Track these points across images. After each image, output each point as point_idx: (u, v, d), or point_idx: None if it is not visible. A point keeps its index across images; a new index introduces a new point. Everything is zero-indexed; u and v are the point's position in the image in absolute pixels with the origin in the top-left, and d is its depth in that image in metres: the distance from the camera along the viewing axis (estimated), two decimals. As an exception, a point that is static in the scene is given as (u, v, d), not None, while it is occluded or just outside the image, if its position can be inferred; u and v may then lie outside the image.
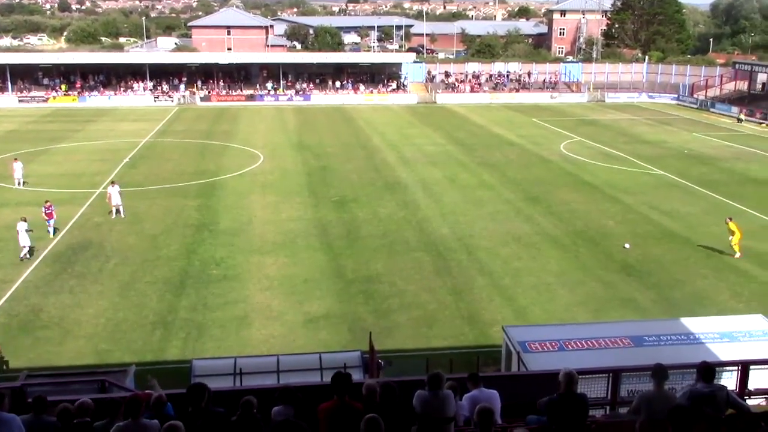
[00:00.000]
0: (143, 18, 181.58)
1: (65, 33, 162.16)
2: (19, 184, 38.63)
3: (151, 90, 79.78)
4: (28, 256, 27.35)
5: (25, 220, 27.70)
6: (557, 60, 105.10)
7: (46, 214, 29.84)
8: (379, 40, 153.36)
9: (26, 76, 78.68)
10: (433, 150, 51.64)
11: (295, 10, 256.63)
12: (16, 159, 40.50)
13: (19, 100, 75.59)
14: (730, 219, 29.13)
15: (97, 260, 27.47)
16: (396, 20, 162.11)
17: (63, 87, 78.27)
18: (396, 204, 36.14)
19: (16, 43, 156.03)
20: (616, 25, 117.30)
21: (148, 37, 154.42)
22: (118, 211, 32.99)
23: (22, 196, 36.51)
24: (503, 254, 28.71)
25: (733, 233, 28.33)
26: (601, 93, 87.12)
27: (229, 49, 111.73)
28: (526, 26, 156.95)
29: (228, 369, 15.80)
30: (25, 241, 27.28)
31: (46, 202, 30.42)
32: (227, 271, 26.40)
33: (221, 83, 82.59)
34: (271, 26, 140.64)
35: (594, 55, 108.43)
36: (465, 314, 22.99)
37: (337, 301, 23.83)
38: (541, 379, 11.46)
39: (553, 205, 36.25)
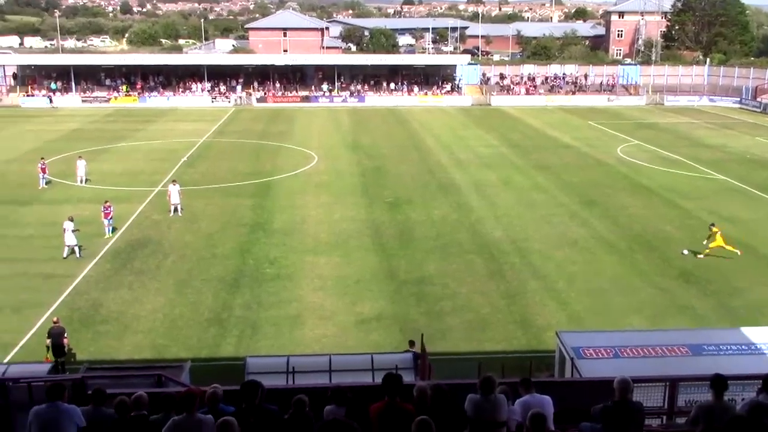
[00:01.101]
0: (202, 20, 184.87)
1: (127, 35, 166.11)
2: (82, 181, 39.71)
3: (208, 91, 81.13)
4: (77, 255, 27.83)
5: (72, 220, 28.10)
6: (615, 62, 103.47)
7: (104, 213, 30.49)
8: (434, 41, 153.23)
9: (89, 76, 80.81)
10: (487, 152, 51.36)
11: (351, 12, 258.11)
12: (80, 157, 41.62)
13: (83, 100, 77.70)
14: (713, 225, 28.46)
15: (155, 257, 28.07)
16: (451, 22, 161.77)
17: (124, 88, 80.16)
18: (449, 206, 36.04)
19: (80, 44, 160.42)
20: (677, 27, 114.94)
21: (206, 39, 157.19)
22: (176, 209, 33.62)
23: (84, 193, 37.51)
24: (557, 258, 28.37)
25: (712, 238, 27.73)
26: (660, 96, 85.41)
27: (285, 50, 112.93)
28: (583, 28, 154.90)
29: (281, 367, 15.96)
30: (70, 240, 27.70)
31: (106, 201, 31.10)
32: (281, 271, 26.68)
33: (277, 84, 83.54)
34: (327, 28, 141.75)
35: (653, 58, 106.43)
36: (518, 318, 22.80)
37: (390, 303, 23.87)
38: (595, 386, 11.28)
39: (610, 209, 35.69)
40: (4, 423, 12.29)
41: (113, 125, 63.33)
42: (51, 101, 76.34)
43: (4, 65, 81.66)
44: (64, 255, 27.71)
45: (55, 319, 20.23)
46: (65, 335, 19.27)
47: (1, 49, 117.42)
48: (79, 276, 25.92)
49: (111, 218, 30.55)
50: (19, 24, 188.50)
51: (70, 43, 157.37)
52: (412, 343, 18.33)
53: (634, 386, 8.88)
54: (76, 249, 27.87)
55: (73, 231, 27.68)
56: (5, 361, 18.74)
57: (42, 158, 40.63)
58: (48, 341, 19.16)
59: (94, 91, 79.84)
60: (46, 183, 39.07)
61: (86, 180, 39.90)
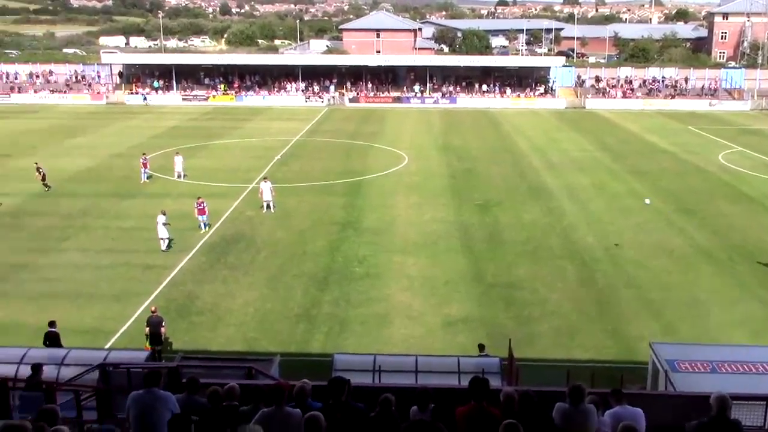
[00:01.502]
0: (297, 21, 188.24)
1: (225, 35, 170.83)
2: (179, 176, 41.12)
3: (302, 91, 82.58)
4: (163, 247, 28.74)
5: (165, 214, 29.07)
6: (718, 65, 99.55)
7: (198, 210, 31.33)
8: (528, 43, 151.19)
9: (189, 75, 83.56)
10: (580, 156, 50.31)
11: (444, 13, 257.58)
12: (177, 153, 43.09)
13: (183, 99, 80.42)
14: None
15: (248, 252, 28.78)
16: (545, 23, 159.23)
17: (222, 86, 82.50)
18: (540, 210, 35.50)
19: (181, 44, 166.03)
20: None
21: (301, 40, 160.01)
22: (269, 206, 34.37)
23: (182, 188, 38.80)
24: (652, 267, 27.51)
25: None
26: (767, 101, 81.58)
27: (378, 51, 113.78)
28: (684, 30, 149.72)
29: (368, 365, 16.07)
30: (162, 233, 28.72)
31: (198, 198, 31.93)
32: (370, 270, 26.90)
33: (369, 85, 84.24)
34: (420, 29, 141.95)
35: (759, 61, 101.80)
36: (609, 327, 22.24)
37: (477, 306, 23.71)
38: (690, 401, 10.90)
39: (709, 218, 34.37)
40: (106, 404, 12.86)
41: (211, 123, 65.28)
42: (145, 99, 79.41)
43: (111, 64, 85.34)
44: (163, 248, 28.75)
45: (153, 308, 21.03)
46: (163, 325, 20.01)
47: (109, 49, 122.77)
48: (176, 268, 26.85)
49: (205, 215, 31.37)
50: (125, 25, 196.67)
51: (173, 43, 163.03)
52: (482, 347, 18.21)
53: (732, 403, 8.52)
54: (163, 242, 28.82)
55: (164, 224, 28.67)
56: (107, 346, 19.62)
57: (144, 153, 42.25)
58: (147, 330, 19.95)
59: (193, 89, 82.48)
60: (148, 177, 40.62)
61: (183, 175, 41.29)
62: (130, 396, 9.37)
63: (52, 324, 19.29)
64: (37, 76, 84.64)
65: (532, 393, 8.76)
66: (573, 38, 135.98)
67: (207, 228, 31.35)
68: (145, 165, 40.66)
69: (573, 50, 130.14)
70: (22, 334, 20.71)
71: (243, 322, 22.39)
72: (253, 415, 8.49)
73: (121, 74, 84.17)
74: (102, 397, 13.45)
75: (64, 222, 32.66)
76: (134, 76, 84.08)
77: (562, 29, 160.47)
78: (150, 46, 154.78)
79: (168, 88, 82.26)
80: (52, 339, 18.82)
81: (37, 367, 14.09)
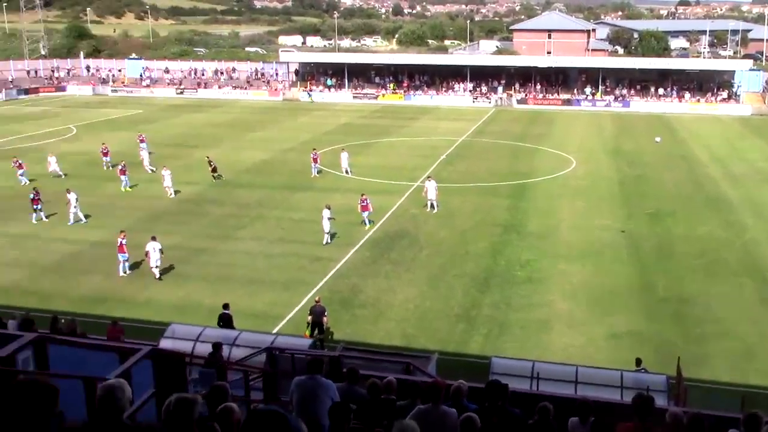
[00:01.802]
0: (468, 21, 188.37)
1: (397, 35, 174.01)
2: (346, 172, 42.33)
3: (470, 91, 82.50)
4: (325, 241, 29.55)
5: (329, 208, 29.86)
6: None
7: (361, 206, 31.95)
8: (711, 45, 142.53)
9: (361, 74, 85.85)
10: (767, 166, 46.74)
11: (620, 13, 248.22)
12: (343, 149, 44.35)
13: (354, 96, 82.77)
14: None
15: (411, 249, 29.15)
16: (731, 24, 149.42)
17: (392, 86, 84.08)
18: (718, 222, 33.34)
19: (354, 44, 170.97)
20: None
21: (470, 40, 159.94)
22: (432, 205, 34.62)
23: (349, 184, 39.89)
24: None
25: None
26: None
27: (549, 52, 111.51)
28: None
29: (526, 371, 15.81)
30: (327, 227, 29.49)
31: (362, 195, 32.51)
32: (532, 274, 26.43)
33: (538, 86, 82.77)
34: (593, 30, 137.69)
35: None
36: (792, 352, 20.53)
37: (644, 319, 22.65)
38: None
39: None
40: (271, 386, 13.46)
41: (379, 121, 66.69)
42: (309, 96, 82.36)
43: (288, 62, 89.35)
44: (325, 242, 29.67)
45: (317, 298, 21.83)
46: (325, 314, 20.71)
47: (287, 48, 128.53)
48: (341, 261, 27.69)
49: (368, 212, 31.90)
50: (302, 25, 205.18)
51: (346, 42, 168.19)
52: (639, 362, 17.33)
53: None
54: (326, 236, 29.62)
55: (329, 218, 29.48)
56: (274, 331, 20.56)
57: (314, 149, 43.84)
58: (309, 318, 20.74)
59: (364, 88, 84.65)
60: (318, 172, 42.13)
61: (350, 171, 42.44)
62: (294, 381, 9.74)
63: (226, 306, 20.50)
64: (222, 73, 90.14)
65: (702, 416, 8.24)
66: (762, 40, 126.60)
67: (370, 224, 31.95)
68: (315, 160, 42.17)
69: (761, 53, 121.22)
70: (199, 313, 22.17)
71: (403, 317, 22.71)
72: (410, 411, 8.55)
73: (297, 72, 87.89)
74: (268, 379, 14.10)
75: (241, 211, 34.58)
76: (309, 74, 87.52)
77: (750, 30, 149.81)
78: (325, 46, 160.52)
79: (340, 86, 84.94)
80: (225, 320, 20.00)
81: (217, 346, 15.00)
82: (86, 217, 32.91)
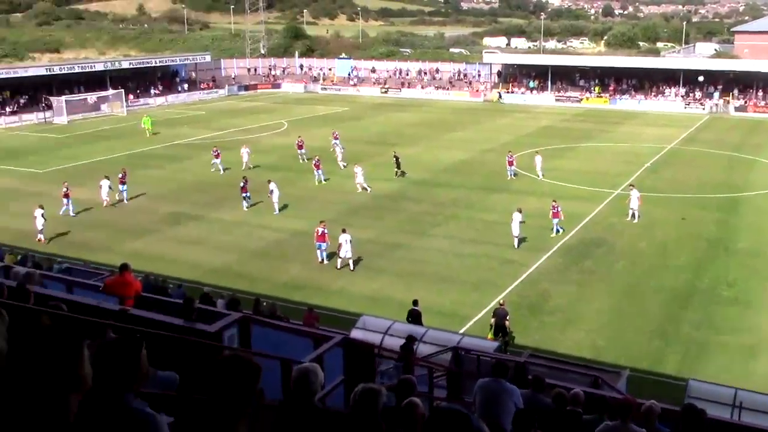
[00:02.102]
0: (684, 23, 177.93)
1: (605, 37, 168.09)
2: (539, 175, 41.59)
3: (682, 96, 77.92)
4: (515, 246, 29.14)
5: (520, 211, 29.39)
6: None
7: (552, 213, 30.92)
8: None
9: (565, 77, 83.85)
10: None
11: None
12: (537, 153, 43.54)
13: (556, 99, 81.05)
14: None
15: (606, 259, 28.13)
16: None
17: (596, 89, 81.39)
18: None
19: (559, 46, 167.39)
20: None
21: (686, 43, 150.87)
22: (633, 214, 33.14)
23: (545, 188, 39.12)
24: None
25: None
26: None
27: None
28: None
29: (726, 399, 14.74)
30: (516, 230, 29.01)
31: (554, 201, 31.58)
32: (740, 295, 24.54)
33: (760, 93, 76.46)
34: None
35: None
36: None
37: None
38: None
39: None
40: (455, 385, 13.58)
41: (581, 125, 64.81)
42: (500, 96, 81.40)
43: (491, 63, 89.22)
44: (516, 245, 29.38)
45: (501, 301, 21.75)
46: (507, 318, 20.62)
47: (491, 49, 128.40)
48: (533, 266, 27.28)
49: (559, 219, 30.96)
50: (508, 26, 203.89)
51: (551, 44, 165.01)
52: None
53: None
54: (516, 240, 29.27)
55: (519, 222, 29.09)
56: (461, 331, 20.68)
57: (510, 151, 43.41)
58: (492, 321, 20.72)
59: (567, 90, 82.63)
60: (514, 174, 41.75)
61: (541, 175, 41.62)
62: (478, 382, 9.76)
63: (415, 303, 20.93)
64: (425, 73, 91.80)
65: None
66: None
67: (561, 231, 30.96)
68: (510, 163, 41.80)
69: None
70: (390, 307, 22.79)
71: (594, 328, 21.97)
72: (596, 426, 8.31)
73: (499, 73, 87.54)
74: (452, 377, 14.23)
75: (436, 209, 35.08)
76: (511, 75, 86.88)
77: None
78: (529, 47, 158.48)
79: (542, 88, 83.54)
80: (414, 316, 20.41)
81: (412, 338, 15.40)
82: (282, 208, 34.77)
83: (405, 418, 6.69)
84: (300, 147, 46.38)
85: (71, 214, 33.97)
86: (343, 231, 27.10)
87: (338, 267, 27.13)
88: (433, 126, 62.50)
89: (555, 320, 22.60)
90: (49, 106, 67.31)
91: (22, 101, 69.47)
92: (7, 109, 67.40)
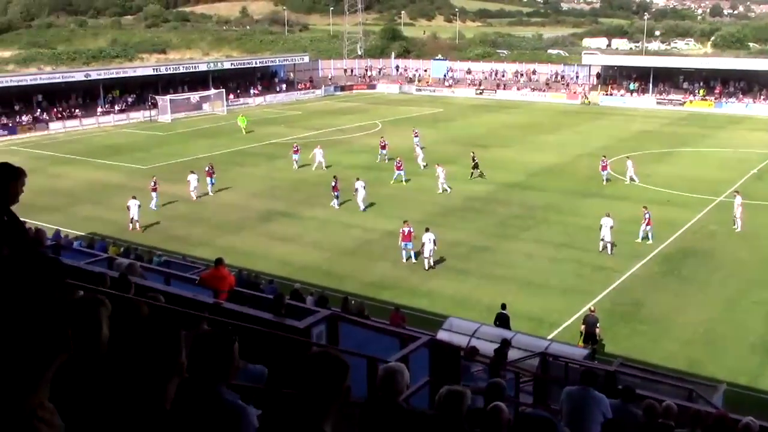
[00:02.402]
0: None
1: (713, 38, 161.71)
2: (631, 180, 40.45)
3: (794, 100, 74.20)
4: (610, 251, 28.51)
5: (609, 216, 28.80)
6: None
7: (645, 220, 30.03)
8: None
9: (667, 79, 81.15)
10: None
11: None
12: (628, 157, 42.25)
13: (657, 102, 78.55)
14: None
15: (705, 268, 27.14)
16: None
17: (701, 92, 78.46)
18: None
19: (663, 47, 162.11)
20: None
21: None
22: (735, 222, 31.81)
23: (640, 193, 37.93)
24: None
25: None
26: None
27: None
28: None
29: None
30: (607, 236, 28.46)
31: (644, 207, 30.63)
32: None
33: None
34: None
35: None
36: None
37: None
38: None
39: None
40: (542, 391, 13.42)
41: (683, 129, 62.58)
42: (586, 98, 79.42)
43: (590, 65, 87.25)
44: (600, 249, 28.76)
45: (591, 308, 21.35)
46: (597, 325, 20.24)
47: (590, 51, 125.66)
48: (626, 273, 26.59)
49: (650, 226, 30.01)
50: (609, 27, 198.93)
51: (654, 45, 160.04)
52: None
53: None
54: (606, 245, 28.60)
55: (610, 227, 28.50)
56: (549, 337, 20.39)
57: (604, 156, 42.22)
58: (582, 328, 20.36)
59: (669, 93, 79.98)
60: (607, 179, 40.71)
61: (635, 179, 40.45)
62: (565, 390, 9.63)
63: (503, 306, 20.77)
64: (522, 75, 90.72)
65: None
66: None
67: (651, 240, 29.89)
68: (604, 167, 40.82)
69: None
70: (476, 309, 22.71)
71: (689, 340, 21.24)
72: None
73: (598, 75, 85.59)
74: (539, 383, 14.07)
75: (527, 213, 34.66)
76: (611, 77, 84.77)
77: None
78: (630, 48, 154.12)
79: (643, 90, 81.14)
80: (502, 320, 20.26)
81: (506, 343, 15.36)
82: (369, 205, 35.30)
83: (490, 422, 6.69)
84: (383, 147, 46.73)
85: (153, 207, 35.41)
86: (427, 230, 27.29)
87: (425, 268, 27.20)
88: (526, 128, 61.71)
89: (648, 329, 21.96)
90: (155, 105, 70.17)
91: (129, 100, 72.67)
92: (116, 108, 70.68)
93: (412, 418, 5.98)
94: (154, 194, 35.76)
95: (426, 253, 27.07)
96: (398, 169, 40.93)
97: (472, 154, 42.68)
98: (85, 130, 64.76)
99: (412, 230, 27.57)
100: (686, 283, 25.75)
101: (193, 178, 37.45)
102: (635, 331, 21.86)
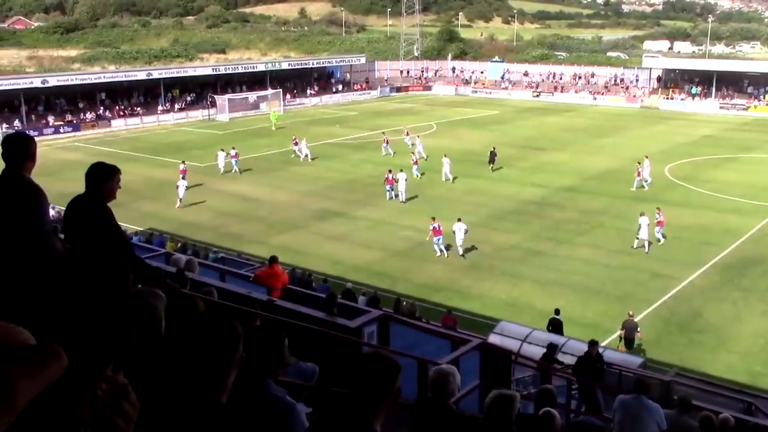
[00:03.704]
0: None
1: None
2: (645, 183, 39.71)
3: None
4: (646, 249, 28.64)
5: (644, 215, 28.85)
6: None
7: (658, 222, 29.71)
8: None
9: (731, 83, 79.05)
10: None
11: None
12: (646, 157, 41.40)
13: (720, 107, 76.61)
14: None
15: (766, 278, 26.35)
16: None
17: (766, 97, 76.26)
18: None
19: (727, 50, 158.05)
20: None
21: None
22: (799, 232, 30.95)
23: (699, 199, 37.08)
24: None
25: None
26: None
27: None
28: None
29: None
30: (643, 234, 28.70)
31: (658, 209, 30.35)
32: None
33: None
34: None
35: None
36: None
37: None
38: None
39: None
40: (593, 399, 13.21)
41: (745, 134, 60.83)
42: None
43: (650, 68, 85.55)
44: (646, 249, 28.62)
45: (630, 312, 21.12)
46: (638, 330, 20.21)
47: (651, 53, 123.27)
48: (684, 281, 26.00)
49: (660, 226, 29.80)
50: (671, 29, 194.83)
51: (718, 48, 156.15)
52: None
53: None
54: (646, 244, 28.76)
55: (647, 225, 28.65)
56: (603, 344, 20.06)
57: (641, 160, 41.06)
58: (621, 332, 20.19)
59: (733, 98, 77.92)
60: (640, 185, 39.65)
61: (648, 181, 39.76)
62: (618, 398, 9.48)
63: (557, 312, 20.54)
64: (580, 77, 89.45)
65: None
66: None
67: (662, 240, 29.78)
68: (639, 174, 39.87)
69: None
70: (529, 314, 22.50)
71: (749, 352, 20.66)
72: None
73: (659, 79, 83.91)
74: (590, 390, 13.86)
75: (582, 217, 34.16)
76: (672, 81, 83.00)
77: None
78: (693, 52, 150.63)
79: (705, 95, 79.25)
80: (555, 326, 20.04)
81: (553, 347, 15.23)
82: (407, 199, 36.16)
83: (541, 428, 6.63)
84: (386, 143, 48.73)
85: (180, 195, 37.53)
86: (458, 220, 28.48)
87: (461, 254, 28.22)
88: (583, 131, 60.84)
89: (706, 339, 21.44)
90: (213, 104, 71.37)
91: (189, 99, 74.05)
92: (176, 106, 72.10)
93: (461, 421, 5.96)
94: (182, 180, 37.43)
95: (458, 242, 28.21)
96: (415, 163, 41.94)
97: (493, 148, 44.15)
98: (146, 127, 66.23)
99: (439, 225, 28.40)
100: (747, 292, 25.05)
101: (221, 155, 42.58)
102: (692, 341, 21.36)
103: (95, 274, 1.40)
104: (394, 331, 10.03)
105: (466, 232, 28.03)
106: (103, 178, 5.74)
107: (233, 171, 43.98)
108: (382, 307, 17.00)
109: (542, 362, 14.24)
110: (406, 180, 36.10)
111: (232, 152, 44.95)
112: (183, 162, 40.56)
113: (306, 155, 47.66)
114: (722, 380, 18.13)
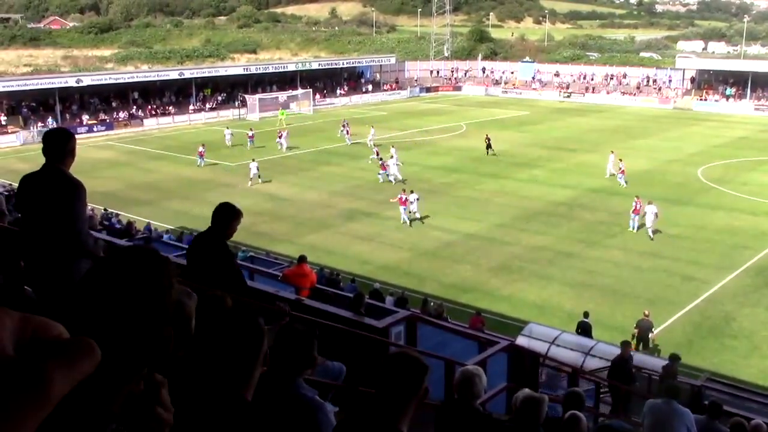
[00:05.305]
0: None
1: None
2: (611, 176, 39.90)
3: None
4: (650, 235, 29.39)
5: (651, 203, 30.12)
6: None
7: (634, 209, 30.78)
8: None
9: (767, 84, 77.76)
10: None
11: None
12: (618, 157, 40.68)
13: (755, 108, 75.42)
14: None
15: (802, 283, 25.92)
16: None
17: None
18: None
19: (763, 51, 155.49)
20: None
21: None
22: (836, 236, 30.39)
23: (733, 202, 36.56)
24: None
25: None
26: None
27: None
28: None
29: None
30: (649, 222, 29.91)
31: (637, 197, 31.01)
32: None
33: None
34: None
35: None
36: None
37: None
38: None
39: None
40: (622, 403, 13.10)
41: (784, 136, 59.89)
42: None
43: (684, 69, 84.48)
44: (635, 229, 30.35)
45: (646, 312, 20.95)
46: (653, 329, 20.15)
47: (685, 54, 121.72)
48: (716, 285, 25.65)
49: (637, 215, 31.02)
50: (706, 29, 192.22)
51: (754, 49, 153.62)
52: None
53: None
54: (650, 231, 29.83)
55: (654, 214, 29.90)
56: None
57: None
58: (635, 332, 20.03)
59: (769, 99, 76.75)
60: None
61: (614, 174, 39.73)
62: (647, 402, 9.40)
63: (586, 314, 20.39)
64: (611, 78, 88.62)
65: None
66: None
67: (637, 229, 30.99)
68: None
69: None
70: (557, 316, 22.36)
71: (782, 358, 20.35)
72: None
73: (693, 79, 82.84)
74: (619, 394, 13.75)
75: (613, 219, 33.83)
76: (706, 82, 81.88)
77: None
78: (728, 52, 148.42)
79: (740, 96, 78.06)
80: (584, 328, 19.89)
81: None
82: (418, 213, 34.58)
83: (568, 431, 6.59)
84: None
85: (200, 164, 44.29)
86: (411, 192, 33.19)
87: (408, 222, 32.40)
88: (614, 132, 60.24)
89: (738, 344, 21.13)
90: (244, 104, 71.89)
91: (220, 98, 74.68)
92: (207, 106, 72.76)
93: (488, 422, 5.96)
94: (200, 158, 45.54)
95: (413, 208, 32.65)
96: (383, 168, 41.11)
97: (486, 135, 47.93)
98: (177, 126, 66.92)
99: (405, 197, 32.57)
100: (781, 297, 24.66)
101: (253, 166, 41.15)
102: (724, 346, 21.07)
103: (139, 275, 1.42)
104: (421, 331, 10.03)
105: (417, 201, 32.58)
106: (229, 218, 6.43)
107: (248, 148, 49.48)
108: (410, 307, 17.00)
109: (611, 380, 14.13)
110: (418, 200, 33.94)
111: (250, 133, 50.65)
112: (203, 145, 46.89)
113: (287, 147, 50.79)
114: (755, 386, 17.86)
